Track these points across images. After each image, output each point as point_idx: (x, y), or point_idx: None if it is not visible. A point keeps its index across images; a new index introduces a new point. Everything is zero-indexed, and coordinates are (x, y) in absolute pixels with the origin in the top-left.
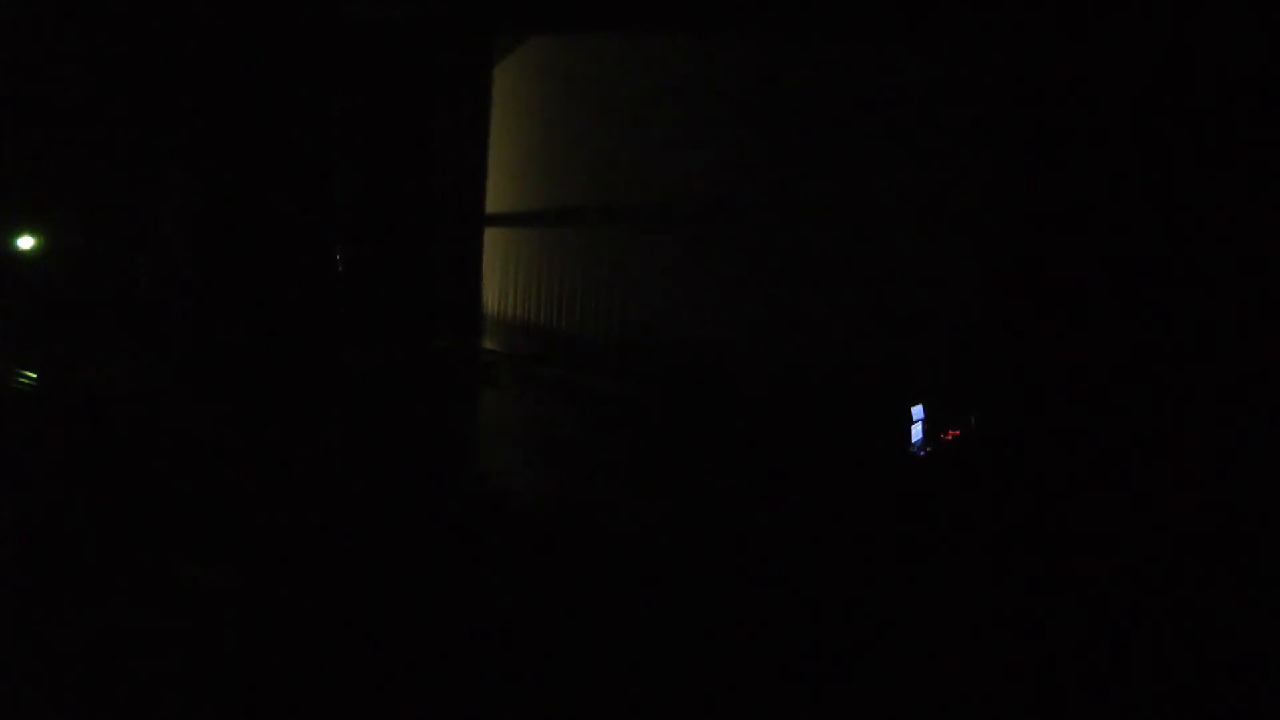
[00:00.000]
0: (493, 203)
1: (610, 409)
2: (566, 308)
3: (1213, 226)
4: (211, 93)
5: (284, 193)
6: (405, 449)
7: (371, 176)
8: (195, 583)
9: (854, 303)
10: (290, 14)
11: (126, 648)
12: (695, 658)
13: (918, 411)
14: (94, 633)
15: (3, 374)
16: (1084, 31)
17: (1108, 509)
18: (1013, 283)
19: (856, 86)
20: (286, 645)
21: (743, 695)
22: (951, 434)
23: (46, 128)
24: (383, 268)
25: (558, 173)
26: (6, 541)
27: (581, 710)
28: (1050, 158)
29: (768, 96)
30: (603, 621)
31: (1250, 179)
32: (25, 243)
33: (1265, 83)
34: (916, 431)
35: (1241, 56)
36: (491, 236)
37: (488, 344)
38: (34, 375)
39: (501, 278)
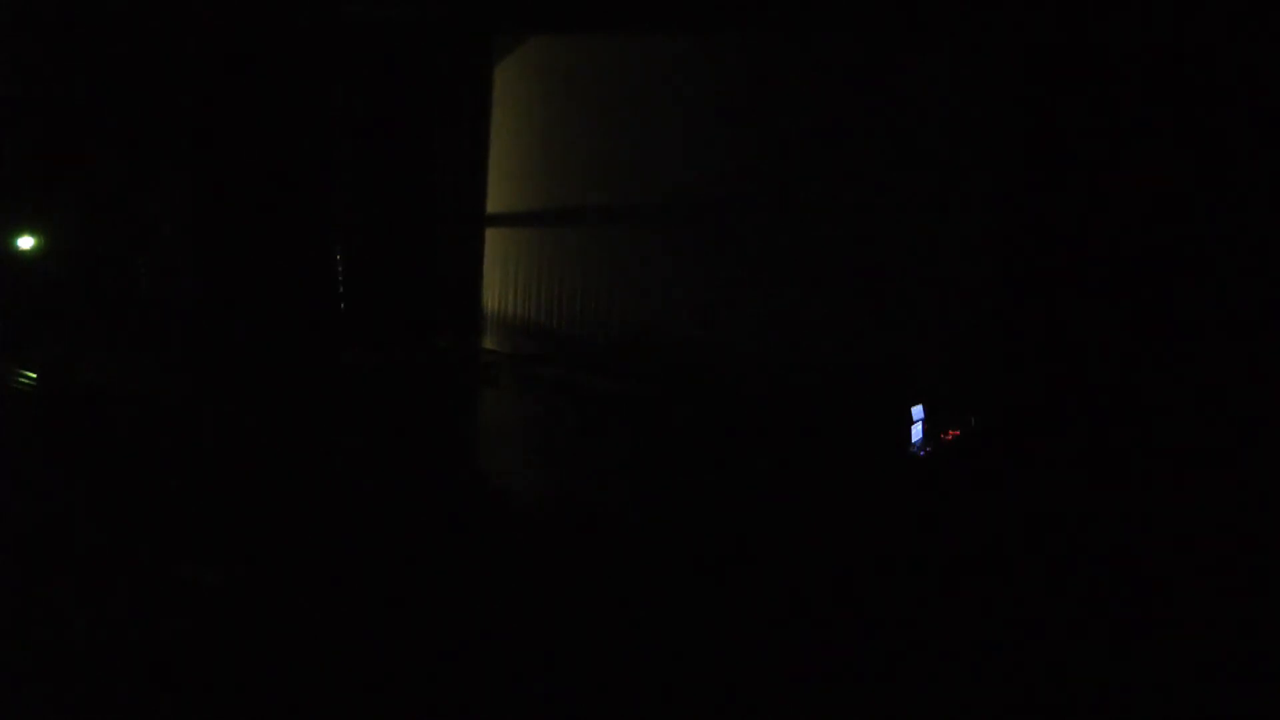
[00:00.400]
0: (493, 203)
1: (610, 409)
2: (566, 308)
3: (1214, 226)
4: (212, 93)
5: (284, 193)
6: (405, 449)
7: (371, 176)
8: (195, 583)
9: (854, 303)
10: (290, 14)
11: (127, 648)
12: (696, 658)
13: (918, 411)
14: (94, 633)
15: (3, 374)
16: (1084, 30)
17: (1108, 509)
18: (1013, 282)
19: (856, 86)
20: (287, 645)
21: (743, 695)
22: (951, 434)
23: (46, 128)
24: (383, 268)
25: (558, 173)
26: (6, 541)
27: (582, 710)
28: (1050, 157)
29: (768, 96)
30: (603, 621)
31: (1252, 178)
32: (25, 243)
33: (1266, 82)
34: (916, 431)
35: (1242, 55)
36: (491, 236)
37: (488, 344)
38: (34, 375)
39: (501, 278)
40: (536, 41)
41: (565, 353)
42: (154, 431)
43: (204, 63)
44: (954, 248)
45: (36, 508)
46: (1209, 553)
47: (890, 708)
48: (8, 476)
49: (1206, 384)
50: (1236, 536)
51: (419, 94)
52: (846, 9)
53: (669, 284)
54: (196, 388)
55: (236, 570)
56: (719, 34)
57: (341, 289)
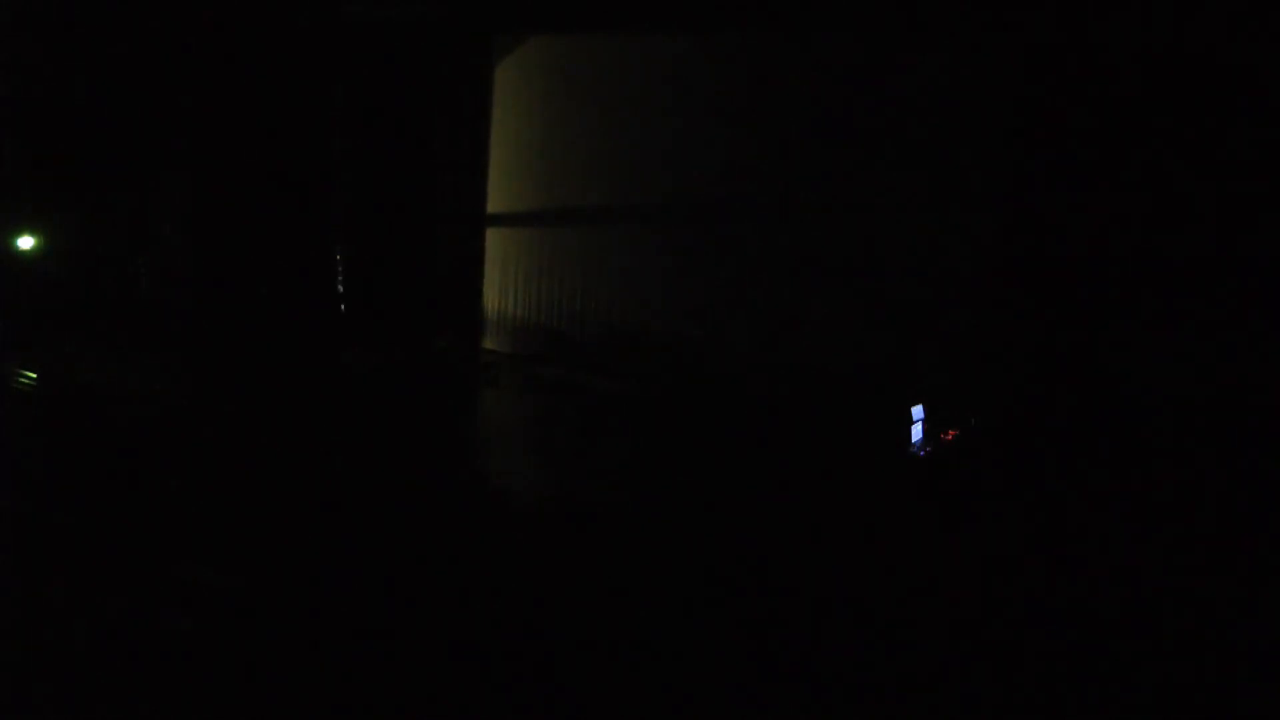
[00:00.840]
0: (493, 203)
1: (610, 409)
2: (566, 308)
3: (1213, 226)
4: (212, 93)
5: (284, 193)
6: (405, 449)
7: (372, 176)
8: (195, 583)
9: (854, 303)
10: (290, 14)
11: (127, 647)
12: (696, 657)
13: (918, 411)
14: (94, 633)
15: (3, 374)
16: (1083, 30)
17: (1108, 508)
18: (1013, 282)
19: (856, 86)
20: (287, 645)
21: (744, 695)
22: (951, 434)
23: (46, 128)
24: (383, 268)
25: (558, 173)
26: (6, 541)
27: (583, 710)
28: (1049, 158)
29: (768, 97)
30: (603, 621)
31: (1251, 177)
32: (25, 243)
33: (1265, 82)
34: (916, 431)
35: (1241, 55)
36: (491, 236)
37: (488, 344)
38: (34, 375)
39: (501, 278)
40: (536, 41)
41: (565, 353)
42: (154, 431)
43: (204, 63)
44: (953, 248)
45: (36, 508)
46: (1208, 552)
47: (891, 707)
48: (8, 476)
49: (1206, 383)
50: (1235, 535)
51: (419, 94)
52: (846, 9)
53: (669, 284)
54: (196, 388)
55: (236, 570)
56: (719, 34)
57: (341, 289)
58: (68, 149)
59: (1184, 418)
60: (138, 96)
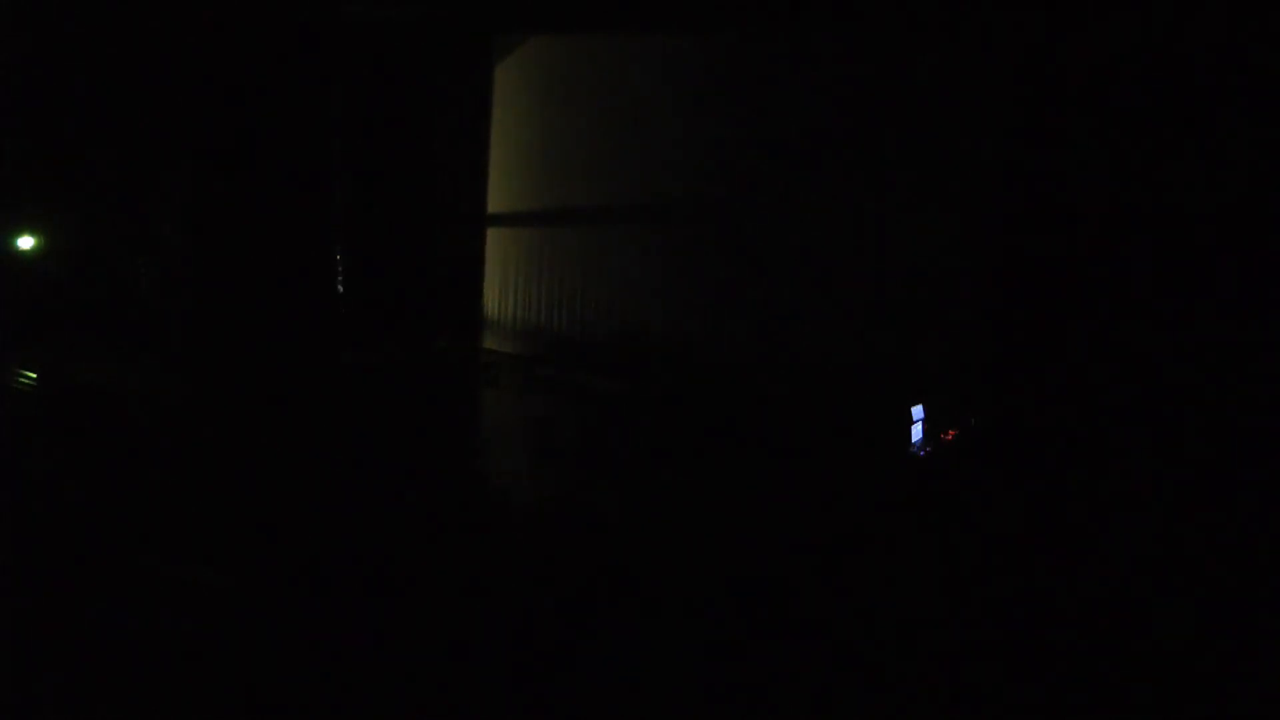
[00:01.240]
0: (493, 203)
1: (610, 409)
2: (566, 308)
3: (1213, 225)
4: (211, 93)
5: (284, 193)
6: (405, 449)
7: (371, 176)
8: (195, 583)
9: (854, 302)
10: (290, 14)
11: (127, 648)
12: (696, 657)
13: (918, 411)
14: (94, 633)
15: (3, 374)
16: (1084, 28)
17: (1107, 508)
18: (1013, 282)
19: (855, 86)
20: (287, 645)
21: (744, 695)
22: (951, 434)
23: (46, 128)
24: (383, 268)
25: (558, 173)
26: (6, 541)
27: (583, 710)
28: (1050, 156)
29: (767, 97)
30: (604, 621)
31: (1251, 177)
32: (25, 243)
33: (1265, 80)
34: (916, 431)
35: (1240, 55)
36: (491, 236)
37: (488, 344)
38: (34, 375)
39: (501, 278)
40: (536, 42)
41: (565, 353)
42: (154, 431)
43: (204, 63)
44: (953, 247)
45: (36, 507)
46: (1209, 552)
47: (891, 707)
48: (8, 476)
49: (1206, 383)
50: (1236, 535)
51: (419, 94)
52: (846, 9)
53: (669, 284)
54: (196, 388)
55: (235, 570)
56: (718, 34)
57: (341, 289)
58: (68, 149)
59: (1184, 417)
60: (138, 96)
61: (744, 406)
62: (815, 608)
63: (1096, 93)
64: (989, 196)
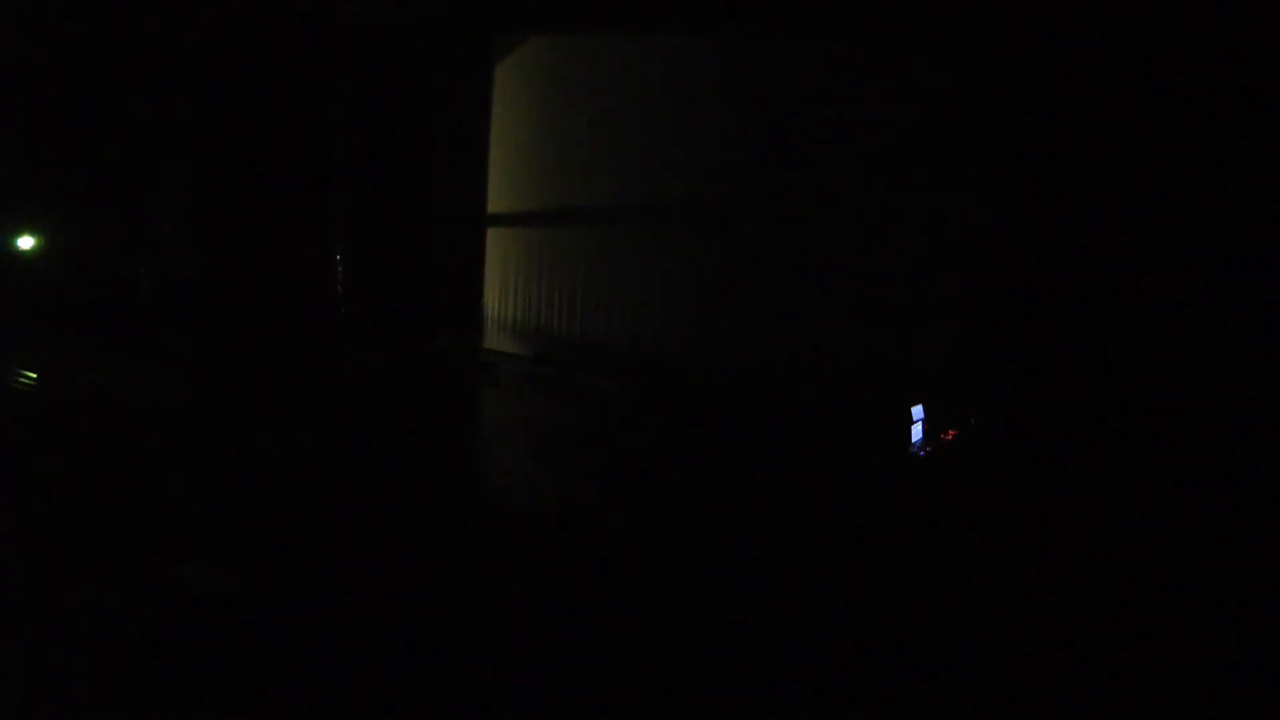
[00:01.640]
0: (493, 203)
1: (610, 409)
2: (566, 308)
3: (1213, 225)
4: (212, 93)
5: (284, 193)
6: (405, 449)
7: (372, 176)
8: (195, 583)
9: (854, 303)
10: (290, 14)
11: (127, 647)
12: (696, 657)
13: (918, 411)
14: (94, 633)
15: (3, 374)
16: (1084, 31)
17: (1107, 508)
18: (1013, 282)
19: (855, 86)
20: (287, 645)
21: (744, 695)
22: (951, 434)
23: (46, 128)
24: (383, 268)
25: (558, 173)
26: (6, 541)
27: (583, 710)
28: (1051, 156)
29: (767, 97)
30: (604, 621)
31: (1251, 178)
32: (25, 243)
33: (1265, 82)
34: (916, 431)
35: (1242, 55)
36: (491, 236)
37: (488, 344)
38: (34, 375)
39: (501, 278)
40: (536, 42)
41: (565, 353)
42: (153, 431)
43: (204, 63)
44: (954, 248)
45: (37, 508)
46: (1209, 551)
47: (891, 707)
48: (8, 476)
49: (1207, 382)
50: (1236, 535)
51: (419, 94)
52: (845, 9)
53: (668, 284)
54: (196, 388)
55: (235, 570)
56: (718, 35)
57: (341, 290)
58: (68, 149)
59: (1185, 417)
60: (138, 97)
61: (744, 406)
62: (815, 607)
63: (1097, 92)
64: (989, 196)
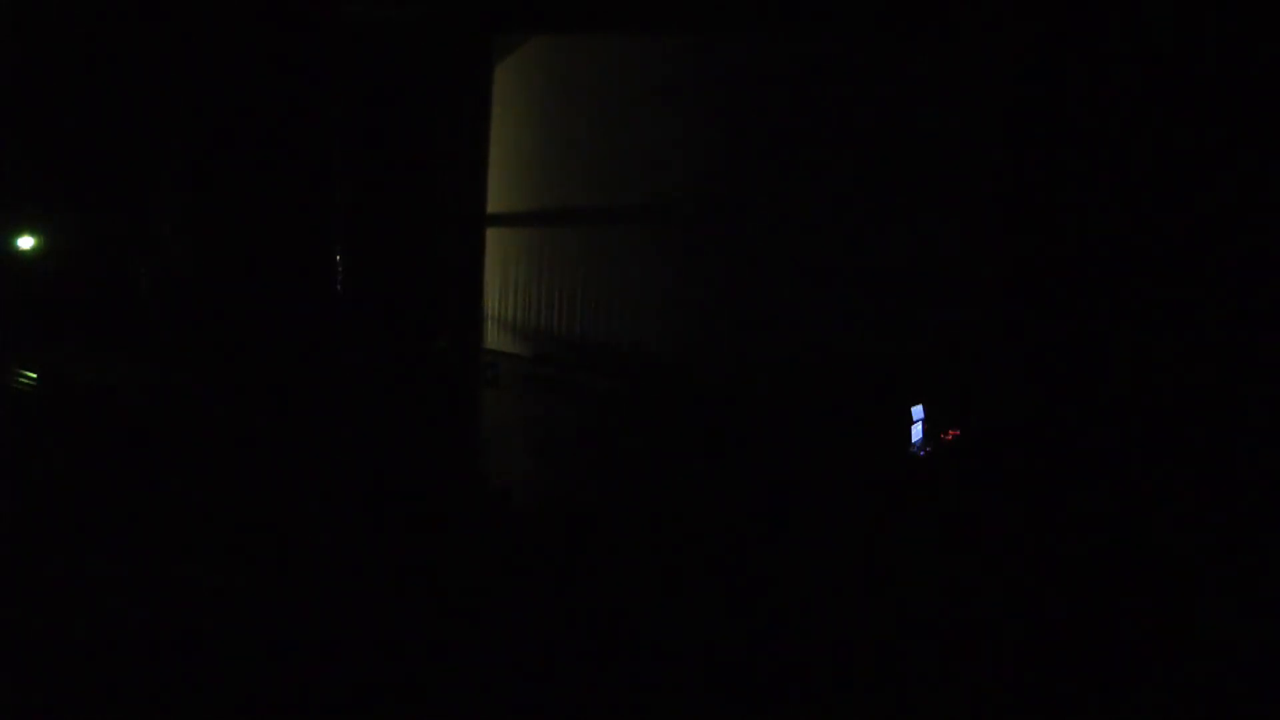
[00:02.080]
0: (493, 203)
1: (610, 409)
2: (566, 308)
3: (1214, 224)
4: (211, 93)
5: (284, 193)
6: (406, 449)
7: (371, 176)
8: (195, 583)
9: (854, 303)
10: (290, 14)
11: (127, 648)
12: (696, 657)
13: (918, 411)
14: (94, 633)
15: (3, 374)
16: (1084, 30)
17: (1107, 508)
18: (1013, 282)
19: (854, 86)
20: (287, 646)
21: (743, 695)
22: (951, 434)
23: (46, 128)
24: (383, 268)
25: (557, 173)
26: (6, 541)
27: (583, 710)
28: (1050, 156)
29: (767, 97)
30: (604, 621)
31: (1252, 177)
32: (25, 243)
33: (1265, 81)
34: (916, 431)
35: (1242, 54)
36: (491, 236)
37: (488, 344)
38: (34, 375)
39: (501, 278)
40: (536, 42)
41: (565, 353)
42: (154, 431)
43: (204, 62)
44: (954, 248)
45: (37, 508)
46: (1209, 551)
47: (890, 707)
48: (8, 476)
49: (1206, 382)
50: (1236, 535)
51: (419, 94)
52: (844, 9)
53: (669, 284)
54: (196, 388)
55: (236, 570)
56: (718, 35)
57: (341, 289)
58: (68, 149)
59: (1185, 417)
60: (138, 97)
61: (744, 406)
62: (815, 607)
63: (1097, 92)
64: (990, 196)
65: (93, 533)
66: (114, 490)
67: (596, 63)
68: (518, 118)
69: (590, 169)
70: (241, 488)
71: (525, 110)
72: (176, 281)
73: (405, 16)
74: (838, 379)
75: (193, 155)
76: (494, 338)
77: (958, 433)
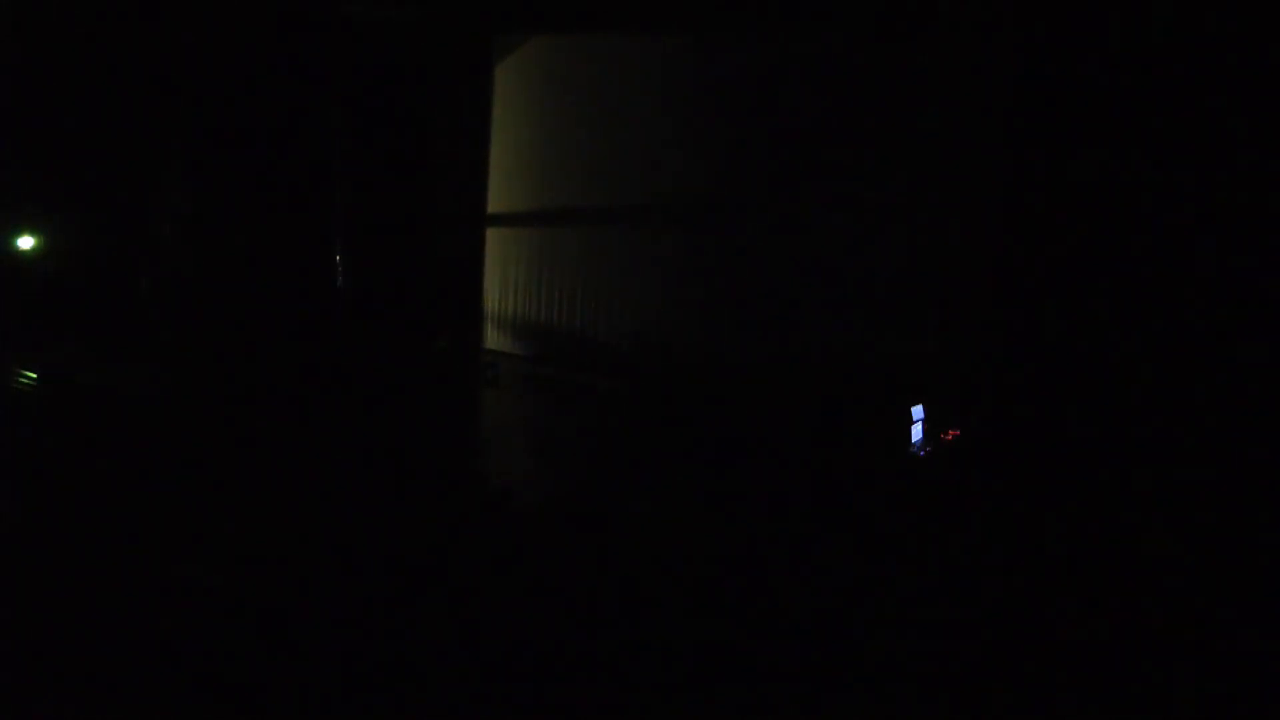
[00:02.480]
0: (493, 203)
1: (610, 409)
2: (566, 308)
3: (1213, 224)
4: (212, 93)
5: (284, 193)
6: (406, 449)
7: (371, 176)
8: (195, 583)
9: (854, 303)
10: (290, 14)
11: (127, 647)
12: (696, 657)
13: (918, 411)
14: (94, 632)
15: (3, 374)
16: (1082, 32)
17: (1107, 509)
18: (1013, 281)
19: (854, 86)
20: (287, 646)
21: (743, 694)
22: (951, 434)
23: (46, 128)
24: (383, 268)
25: (557, 173)
26: (6, 541)
27: (583, 710)
28: (1050, 156)
29: (767, 97)
30: (604, 621)
31: (1250, 178)
32: (25, 243)
33: (1265, 81)
34: (916, 431)
35: (1241, 54)
36: (491, 236)
37: (488, 344)
38: (34, 375)
39: (501, 278)
40: (536, 42)
41: (565, 353)
42: (153, 431)
43: (204, 62)
44: (954, 248)
45: (36, 508)
46: (1209, 552)
47: (890, 707)
48: (8, 476)
49: (1206, 382)
50: (1236, 535)
51: (419, 94)
52: (844, 9)
53: (668, 284)
54: (196, 388)
55: (235, 570)
56: (718, 35)
57: (341, 290)
58: (68, 149)
59: (1185, 417)
60: (137, 96)
61: (744, 406)
62: (815, 607)
63: (1097, 91)
64: (989, 196)
65: (93, 533)
66: (114, 490)
67: (596, 63)
68: (518, 118)
69: (590, 169)
70: (242, 488)
71: (525, 110)
72: (176, 281)
73: (405, 16)
74: (838, 379)
75: (193, 155)
76: (494, 338)
77: (958, 433)
